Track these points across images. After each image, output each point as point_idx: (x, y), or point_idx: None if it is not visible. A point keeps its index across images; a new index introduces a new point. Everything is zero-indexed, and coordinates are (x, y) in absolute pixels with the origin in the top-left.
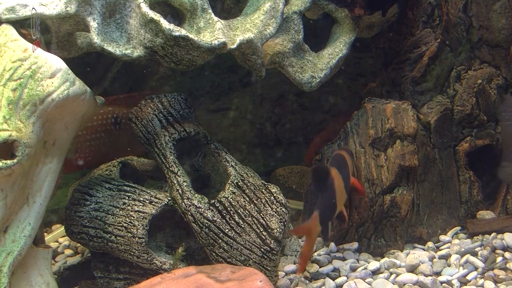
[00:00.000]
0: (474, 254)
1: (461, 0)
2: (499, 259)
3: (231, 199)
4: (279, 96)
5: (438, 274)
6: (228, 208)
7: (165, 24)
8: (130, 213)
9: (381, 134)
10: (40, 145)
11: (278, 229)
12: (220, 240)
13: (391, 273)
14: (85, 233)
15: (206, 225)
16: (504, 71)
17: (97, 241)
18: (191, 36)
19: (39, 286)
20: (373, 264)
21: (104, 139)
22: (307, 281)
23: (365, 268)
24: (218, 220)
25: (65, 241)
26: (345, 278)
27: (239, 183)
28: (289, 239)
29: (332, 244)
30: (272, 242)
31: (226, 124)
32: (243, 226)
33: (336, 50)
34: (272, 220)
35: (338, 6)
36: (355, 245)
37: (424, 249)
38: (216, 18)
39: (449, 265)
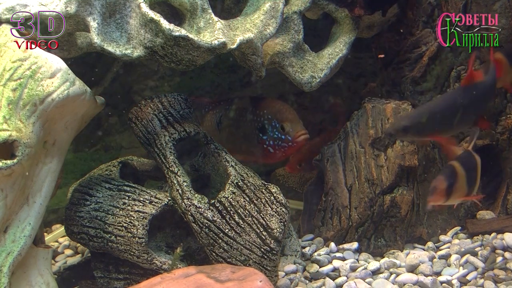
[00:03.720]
0: (474, 254)
1: (461, 0)
2: (499, 259)
3: (231, 199)
4: (279, 96)
5: (438, 274)
6: (228, 208)
7: (165, 24)
8: (130, 213)
9: (381, 134)
10: (40, 145)
11: (278, 229)
12: (220, 240)
13: (391, 273)
14: (85, 233)
15: (206, 225)
16: None
17: (97, 241)
18: (191, 36)
19: (39, 286)
20: (373, 264)
21: None
22: (307, 281)
23: (365, 268)
24: (218, 220)
25: (65, 241)
26: (345, 278)
27: (239, 183)
28: (289, 239)
29: (332, 244)
30: (272, 242)
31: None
32: (243, 226)
33: (336, 50)
34: (272, 220)
35: (338, 6)
36: (355, 245)
37: (424, 249)
38: (216, 18)
39: (449, 265)
